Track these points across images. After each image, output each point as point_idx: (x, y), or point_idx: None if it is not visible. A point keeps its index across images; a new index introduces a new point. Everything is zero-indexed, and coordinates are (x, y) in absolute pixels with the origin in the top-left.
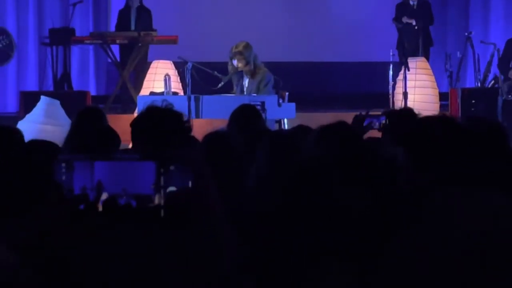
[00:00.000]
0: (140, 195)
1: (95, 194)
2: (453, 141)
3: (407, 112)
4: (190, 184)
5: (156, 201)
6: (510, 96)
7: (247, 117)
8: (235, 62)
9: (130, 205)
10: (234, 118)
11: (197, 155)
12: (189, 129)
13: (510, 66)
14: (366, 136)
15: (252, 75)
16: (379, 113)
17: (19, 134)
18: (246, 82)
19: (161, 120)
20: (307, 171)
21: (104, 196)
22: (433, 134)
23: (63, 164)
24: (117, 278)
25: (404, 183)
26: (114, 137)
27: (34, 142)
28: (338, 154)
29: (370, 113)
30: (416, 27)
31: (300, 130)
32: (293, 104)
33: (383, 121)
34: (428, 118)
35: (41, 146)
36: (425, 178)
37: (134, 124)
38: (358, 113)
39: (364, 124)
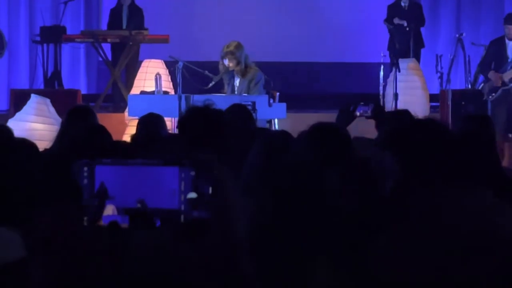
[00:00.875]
0: (165, 210)
1: (95, 209)
2: (441, 146)
3: (400, 113)
4: (210, 190)
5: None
6: (490, 96)
7: (238, 117)
8: (226, 61)
9: (151, 223)
10: (227, 115)
11: (217, 159)
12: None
13: (492, 67)
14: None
15: (243, 74)
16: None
17: (8, 132)
18: (237, 81)
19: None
20: (297, 172)
21: (110, 209)
22: (421, 139)
23: (85, 168)
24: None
25: (391, 185)
26: (105, 135)
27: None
28: (328, 156)
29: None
30: (407, 28)
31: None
32: (284, 104)
33: (371, 108)
34: (417, 122)
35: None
36: (412, 179)
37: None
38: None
39: (357, 112)
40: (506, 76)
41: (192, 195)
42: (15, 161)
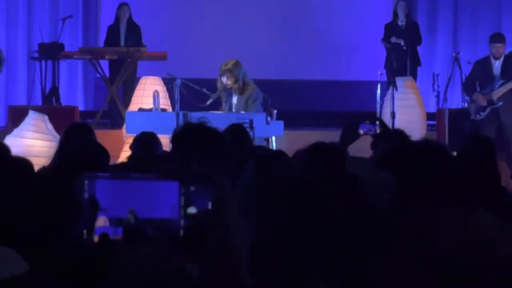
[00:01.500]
0: (161, 220)
1: (87, 220)
2: (438, 166)
3: (396, 134)
4: (210, 205)
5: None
6: (478, 115)
7: (235, 137)
8: (224, 79)
9: (142, 233)
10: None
11: (217, 174)
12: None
13: (476, 87)
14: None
15: (241, 92)
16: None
17: (5, 149)
18: (234, 99)
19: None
20: (293, 191)
21: (101, 221)
22: (418, 159)
23: (86, 181)
24: None
25: (387, 203)
26: (103, 153)
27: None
28: (325, 175)
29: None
30: (404, 47)
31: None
32: (281, 122)
33: (378, 128)
34: (414, 144)
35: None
36: (408, 198)
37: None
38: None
39: (361, 129)
40: (495, 95)
41: (192, 209)
42: (11, 179)
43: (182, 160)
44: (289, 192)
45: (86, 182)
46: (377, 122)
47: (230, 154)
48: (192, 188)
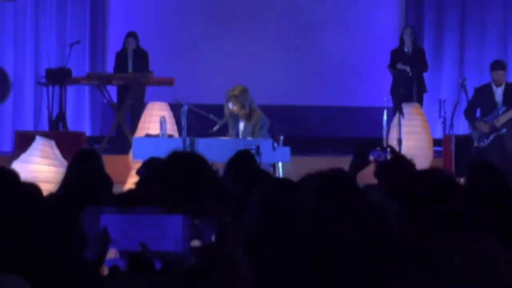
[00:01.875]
0: (167, 252)
1: (97, 252)
2: (446, 197)
3: (403, 162)
4: (213, 238)
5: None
6: (481, 143)
7: (242, 164)
8: (230, 105)
9: (151, 266)
10: (230, 164)
11: (220, 208)
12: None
13: (477, 114)
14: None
15: (248, 118)
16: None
17: (14, 175)
18: (241, 125)
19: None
20: (303, 219)
21: (112, 253)
22: (427, 191)
23: (91, 216)
24: None
25: (397, 233)
26: (106, 181)
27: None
28: (336, 205)
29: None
30: (410, 74)
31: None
32: (287, 148)
33: (388, 155)
34: (422, 173)
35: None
36: (418, 227)
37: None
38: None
39: (371, 156)
40: (498, 122)
41: (196, 243)
42: (22, 205)
43: (178, 190)
44: (299, 224)
45: (93, 214)
46: (388, 149)
47: (236, 183)
48: (196, 222)
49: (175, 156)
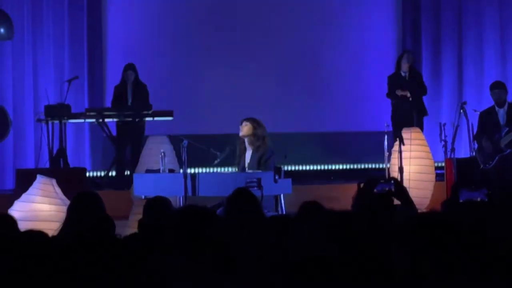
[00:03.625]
0: None
1: None
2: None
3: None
4: None
5: None
6: (487, 165)
7: (241, 203)
8: (241, 127)
9: None
10: (229, 203)
11: None
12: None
13: (485, 136)
14: None
15: (257, 148)
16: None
17: (12, 221)
18: (248, 156)
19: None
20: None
21: None
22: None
23: None
24: None
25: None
26: (109, 224)
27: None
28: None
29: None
30: (410, 99)
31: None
32: (289, 180)
33: (392, 187)
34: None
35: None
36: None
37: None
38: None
39: (376, 190)
40: (503, 143)
41: None
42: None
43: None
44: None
45: None
46: (392, 181)
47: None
48: None
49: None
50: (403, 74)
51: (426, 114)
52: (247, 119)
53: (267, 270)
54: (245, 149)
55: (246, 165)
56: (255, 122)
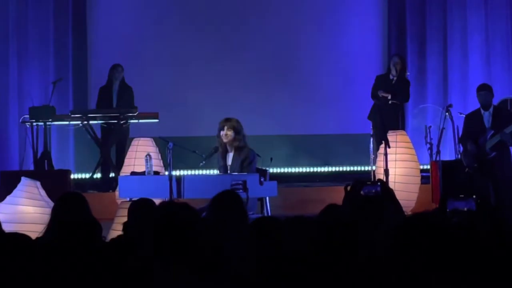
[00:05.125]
0: None
1: None
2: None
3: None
4: None
5: None
6: (472, 168)
7: (226, 204)
8: (223, 132)
9: None
10: (214, 203)
11: None
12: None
13: (470, 139)
14: None
15: (237, 151)
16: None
17: None
18: (229, 159)
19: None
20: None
21: None
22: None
23: None
24: None
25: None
26: (95, 227)
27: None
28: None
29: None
30: (390, 102)
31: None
32: (274, 182)
33: (379, 189)
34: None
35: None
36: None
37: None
38: (348, 183)
39: (362, 192)
40: (488, 146)
41: None
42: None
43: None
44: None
45: None
46: (378, 183)
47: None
48: None
49: (167, 206)
50: (391, 77)
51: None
52: (227, 123)
53: (251, 270)
54: (226, 150)
55: (228, 166)
56: (237, 125)
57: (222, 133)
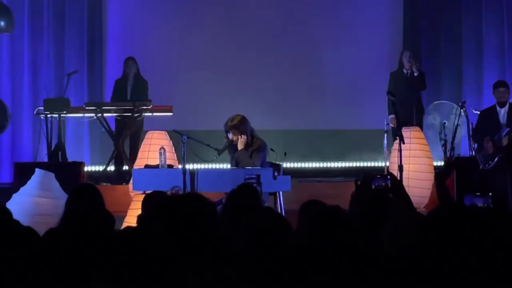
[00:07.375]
0: None
1: None
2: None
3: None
4: None
5: None
6: (487, 165)
7: (246, 197)
8: (230, 135)
9: None
10: (233, 196)
11: None
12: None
13: (484, 135)
14: None
15: (247, 147)
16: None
17: (7, 213)
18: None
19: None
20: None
21: None
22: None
23: None
24: None
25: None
26: (108, 218)
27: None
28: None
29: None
30: (407, 97)
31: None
32: (288, 177)
33: (389, 182)
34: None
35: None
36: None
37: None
38: (358, 178)
39: (373, 185)
40: (503, 143)
41: None
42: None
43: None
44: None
45: None
46: (389, 176)
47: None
48: None
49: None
50: (405, 71)
51: (424, 112)
52: (231, 128)
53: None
54: (236, 149)
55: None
56: (240, 126)
57: (229, 135)
